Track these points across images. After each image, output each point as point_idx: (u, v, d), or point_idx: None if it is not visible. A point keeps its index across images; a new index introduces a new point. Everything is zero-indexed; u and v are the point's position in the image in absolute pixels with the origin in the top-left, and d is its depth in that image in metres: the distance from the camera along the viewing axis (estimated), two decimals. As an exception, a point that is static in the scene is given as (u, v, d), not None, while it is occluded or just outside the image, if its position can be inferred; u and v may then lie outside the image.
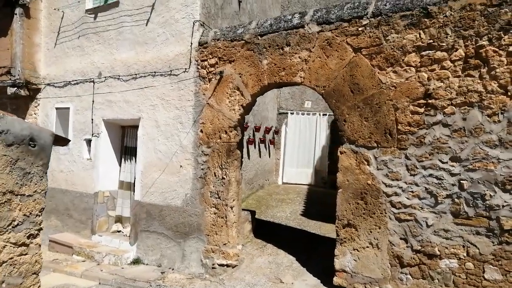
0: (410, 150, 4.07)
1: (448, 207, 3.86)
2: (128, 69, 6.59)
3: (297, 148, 11.66)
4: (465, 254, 3.75)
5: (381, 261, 4.20)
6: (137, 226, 6.33)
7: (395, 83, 4.16)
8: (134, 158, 7.03)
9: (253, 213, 6.30)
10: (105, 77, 6.89)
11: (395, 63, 4.17)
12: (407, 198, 4.08)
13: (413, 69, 4.07)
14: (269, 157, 11.18)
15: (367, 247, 4.30)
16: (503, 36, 3.56)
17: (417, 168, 4.03)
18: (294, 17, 4.96)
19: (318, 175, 11.51)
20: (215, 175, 5.55)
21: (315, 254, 5.54)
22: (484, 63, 3.66)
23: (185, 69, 5.91)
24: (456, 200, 3.81)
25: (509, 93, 3.54)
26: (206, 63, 5.69)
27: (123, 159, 7.25)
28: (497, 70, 3.59)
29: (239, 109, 5.38)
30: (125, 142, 7.25)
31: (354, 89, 4.43)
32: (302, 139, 11.62)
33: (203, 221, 5.64)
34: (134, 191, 6.66)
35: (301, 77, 4.83)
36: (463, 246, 3.76)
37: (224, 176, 5.48)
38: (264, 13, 9.95)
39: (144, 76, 6.39)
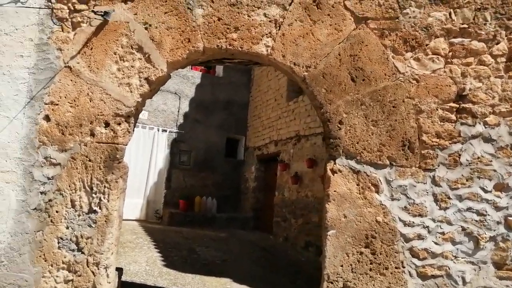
0: (439, 173, 2.82)
1: (490, 254, 2.76)
2: None
3: (126, 171, 8.95)
4: (516, 322, 2.69)
5: None
6: None
7: (417, 75, 2.90)
8: None
9: (120, 271, 3.68)
10: None
11: (417, 48, 2.92)
12: (436, 243, 2.77)
13: (442, 59, 2.91)
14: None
15: (376, 323, 2.71)
16: (557, 33, 2.85)
17: (450, 198, 2.80)
18: (253, -45, 3.12)
19: (151, 208, 9.11)
20: (74, 205, 2.85)
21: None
22: (534, 64, 2.86)
23: (19, -4, 3.04)
24: (501, 244, 2.75)
25: None
26: (70, -6, 3.04)
27: None
28: (552, 74, 2.82)
29: (141, 86, 2.96)
30: None
31: (357, 76, 2.93)
32: (134, 159, 9.03)
33: (35, 300, 2.75)
34: None
35: (267, 46, 2.97)
36: (513, 310, 2.70)
37: (97, 208, 2.85)
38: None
39: None
